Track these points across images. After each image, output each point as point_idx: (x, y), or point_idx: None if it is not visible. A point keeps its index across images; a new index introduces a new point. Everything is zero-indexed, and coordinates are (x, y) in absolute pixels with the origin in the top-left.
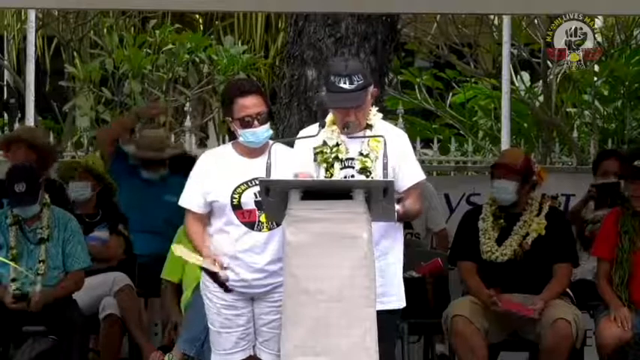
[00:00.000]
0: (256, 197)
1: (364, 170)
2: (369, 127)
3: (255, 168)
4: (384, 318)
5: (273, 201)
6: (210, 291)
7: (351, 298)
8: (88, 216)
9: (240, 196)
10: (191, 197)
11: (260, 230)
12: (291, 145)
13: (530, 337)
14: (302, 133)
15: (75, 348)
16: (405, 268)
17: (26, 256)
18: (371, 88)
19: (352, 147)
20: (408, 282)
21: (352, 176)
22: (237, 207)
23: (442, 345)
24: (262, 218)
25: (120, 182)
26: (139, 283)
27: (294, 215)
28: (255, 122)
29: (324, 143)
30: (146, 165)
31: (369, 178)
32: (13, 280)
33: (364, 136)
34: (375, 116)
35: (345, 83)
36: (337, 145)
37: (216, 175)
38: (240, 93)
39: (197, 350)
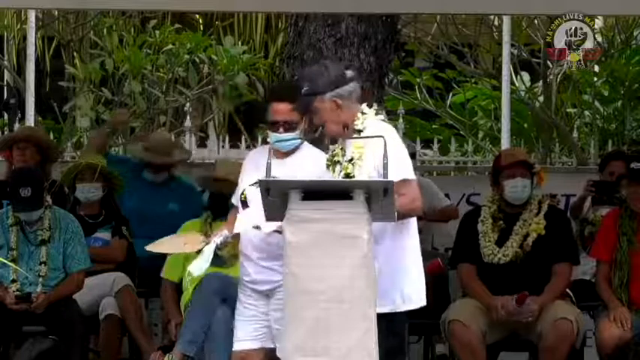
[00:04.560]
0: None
1: (347, 177)
2: (358, 132)
3: (281, 168)
4: (393, 318)
5: (273, 201)
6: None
7: (351, 298)
8: (92, 217)
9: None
10: (236, 194)
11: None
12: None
13: (530, 337)
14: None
15: (75, 348)
16: None
17: (27, 258)
18: (326, 97)
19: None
20: None
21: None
22: (244, 203)
23: (442, 345)
24: None
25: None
26: (139, 283)
27: (294, 215)
28: (281, 129)
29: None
30: (150, 167)
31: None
32: (13, 281)
33: (352, 137)
34: (365, 122)
35: None
36: (340, 149)
37: (245, 172)
38: (274, 97)
39: (197, 350)
